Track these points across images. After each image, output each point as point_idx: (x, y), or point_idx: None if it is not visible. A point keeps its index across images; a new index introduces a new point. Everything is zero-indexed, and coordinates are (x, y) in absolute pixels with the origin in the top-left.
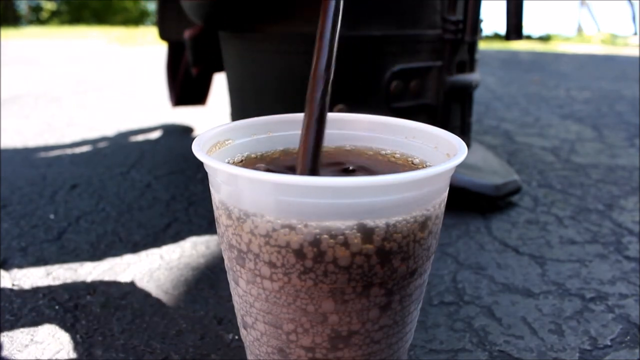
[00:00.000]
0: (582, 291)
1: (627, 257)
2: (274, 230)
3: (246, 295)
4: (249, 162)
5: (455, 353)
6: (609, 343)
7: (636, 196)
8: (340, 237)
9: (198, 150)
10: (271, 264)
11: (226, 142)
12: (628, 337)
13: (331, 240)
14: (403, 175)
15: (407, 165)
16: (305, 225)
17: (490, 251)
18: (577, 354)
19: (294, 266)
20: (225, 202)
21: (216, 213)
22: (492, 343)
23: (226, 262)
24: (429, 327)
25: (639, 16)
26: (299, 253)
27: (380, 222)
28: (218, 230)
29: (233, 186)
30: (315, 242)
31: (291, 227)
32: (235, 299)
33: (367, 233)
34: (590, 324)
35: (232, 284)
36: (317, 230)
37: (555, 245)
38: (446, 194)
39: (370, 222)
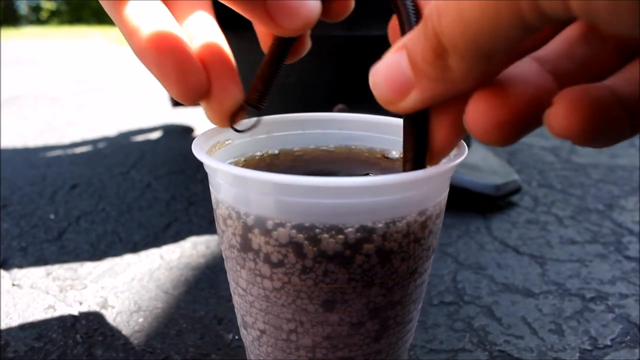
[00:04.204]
0: (582, 291)
1: (627, 257)
2: (274, 229)
3: (246, 295)
4: (249, 162)
5: (455, 353)
6: (609, 343)
7: (636, 196)
8: (341, 236)
9: (198, 150)
10: (271, 264)
11: (226, 142)
12: (628, 337)
13: (331, 240)
14: (403, 176)
15: None
16: (306, 225)
17: (490, 251)
18: (577, 354)
19: (294, 266)
20: (225, 202)
21: (216, 213)
22: (492, 343)
23: (226, 262)
24: (429, 327)
25: None
26: (299, 253)
27: (381, 222)
28: (218, 230)
29: (233, 186)
30: (316, 241)
31: (291, 227)
32: (235, 299)
33: (367, 233)
34: (591, 324)
35: (232, 284)
36: (318, 230)
37: (555, 245)
38: (446, 193)
39: (370, 222)
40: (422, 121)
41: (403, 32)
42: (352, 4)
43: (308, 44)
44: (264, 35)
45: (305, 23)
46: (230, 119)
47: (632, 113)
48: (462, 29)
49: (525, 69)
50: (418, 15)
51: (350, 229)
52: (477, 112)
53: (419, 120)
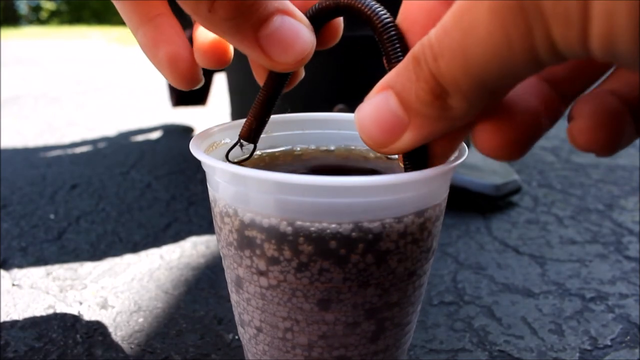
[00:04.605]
0: (582, 291)
1: (627, 257)
2: (271, 227)
3: (243, 292)
4: (247, 161)
5: (455, 353)
6: (609, 343)
7: (636, 196)
8: (336, 235)
9: (195, 149)
10: (267, 262)
11: (222, 142)
12: (628, 337)
13: (326, 239)
14: (400, 176)
15: None
16: (302, 224)
17: (490, 251)
18: (577, 354)
19: (290, 264)
20: (222, 200)
21: (213, 211)
22: (492, 343)
23: (223, 260)
24: (429, 327)
25: None
26: (295, 251)
27: (377, 222)
28: (215, 228)
29: (230, 184)
30: (311, 240)
31: (287, 225)
32: (233, 297)
33: (362, 232)
34: (590, 324)
35: (229, 282)
36: (313, 229)
37: (555, 245)
38: (446, 195)
39: (366, 222)
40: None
41: (389, 62)
42: (341, 32)
43: (302, 74)
44: (258, 66)
45: (300, 58)
46: (226, 153)
47: (636, 115)
48: (465, 70)
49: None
50: (403, 45)
51: (345, 228)
52: (486, 134)
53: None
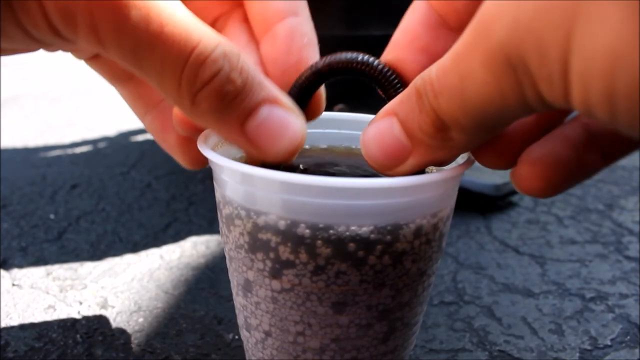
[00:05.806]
0: (582, 291)
1: (627, 257)
2: (287, 230)
3: (252, 296)
4: (252, 162)
5: (455, 353)
6: (609, 343)
7: (636, 196)
8: (355, 237)
9: (204, 148)
10: (282, 265)
11: (225, 141)
12: (628, 337)
13: (346, 241)
14: (420, 178)
15: None
16: (320, 226)
17: (490, 251)
18: (577, 354)
19: (306, 267)
20: (233, 202)
21: (221, 213)
22: (492, 343)
23: (229, 262)
24: (429, 327)
25: None
26: (312, 254)
27: (395, 223)
28: (222, 229)
29: (243, 185)
30: (330, 242)
31: (306, 227)
32: (239, 300)
33: (381, 234)
34: (591, 324)
35: (234, 285)
36: (332, 231)
37: (555, 245)
38: (456, 195)
39: (385, 223)
40: None
41: (387, 95)
42: (324, 102)
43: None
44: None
45: (291, 149)
46: None
47: (605, 147)
48: (464, 110)
49: None
50: (396, 76)
51: (364, 230)
52: (482, 149)
53: None
